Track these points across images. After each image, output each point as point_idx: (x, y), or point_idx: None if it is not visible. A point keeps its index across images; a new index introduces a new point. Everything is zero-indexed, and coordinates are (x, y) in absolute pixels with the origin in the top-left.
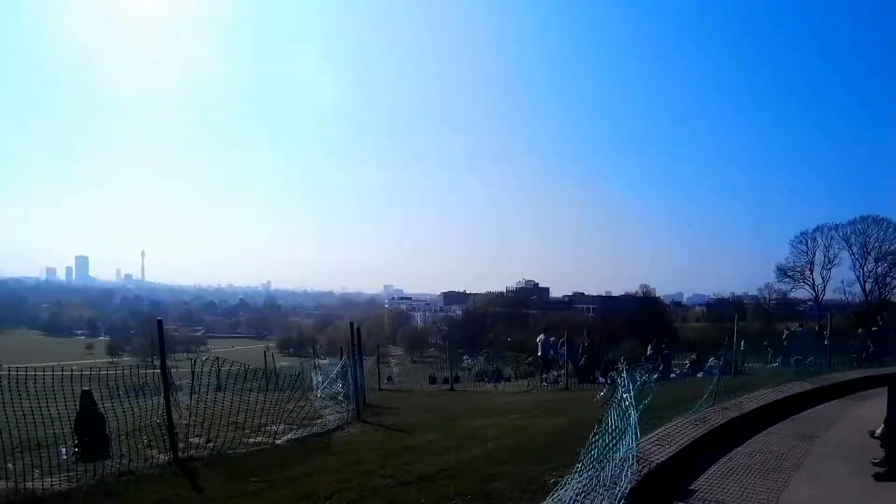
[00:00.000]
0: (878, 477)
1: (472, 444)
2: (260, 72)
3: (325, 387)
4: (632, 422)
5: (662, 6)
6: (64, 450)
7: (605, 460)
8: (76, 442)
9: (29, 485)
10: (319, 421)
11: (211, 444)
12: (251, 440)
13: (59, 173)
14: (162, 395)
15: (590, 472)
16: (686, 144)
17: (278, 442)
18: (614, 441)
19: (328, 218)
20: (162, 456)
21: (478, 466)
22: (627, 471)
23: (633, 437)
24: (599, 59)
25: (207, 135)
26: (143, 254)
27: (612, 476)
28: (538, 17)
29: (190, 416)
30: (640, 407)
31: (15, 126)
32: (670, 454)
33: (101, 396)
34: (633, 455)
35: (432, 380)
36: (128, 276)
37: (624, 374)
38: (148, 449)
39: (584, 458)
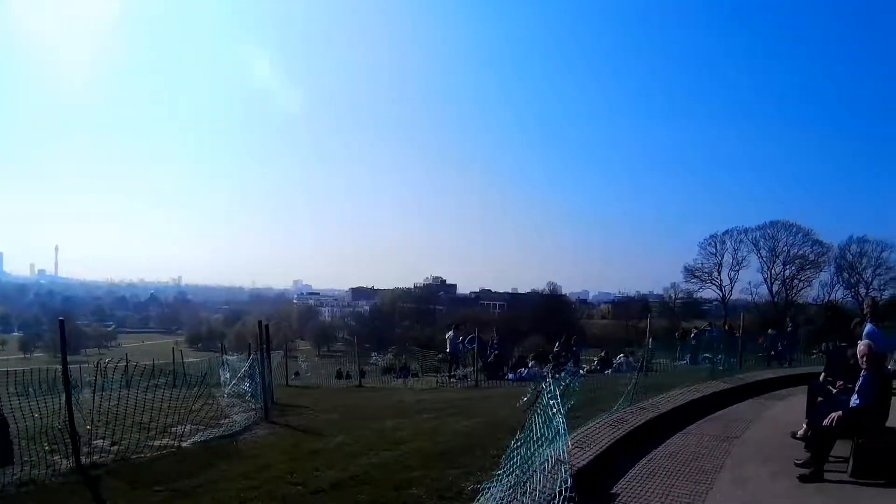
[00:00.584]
0: (803, 478)
1: (383, 447)
2: (166, 64)
3: (232, 385)
4: (560, 431)
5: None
6: None
7: (531, 469)
8: None
9: None
10: (226, 421)
11: (116, 448)
12: (156, 443)
13: None
14: (62, 396)
15: (511, 480)
16: (594, 146)
17: (184, 444)
18: (540, 449)
19: (239, 214)
20: (65, 462)
21: (391, 472)
22: (560, 484)
23: (563, 448)
24: (503, 57)
25: (119, 130)
26: (56, 249)
27: (540, 487)
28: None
29: (92, 419)
30: (564, 411)
31: None
32: (591, 457)
33: (10, 395)
34: (565, 468)
35: (339, 375)
36: (41, 272)
37: (549, 380)
38: (51, 455)
39: (505, 465)
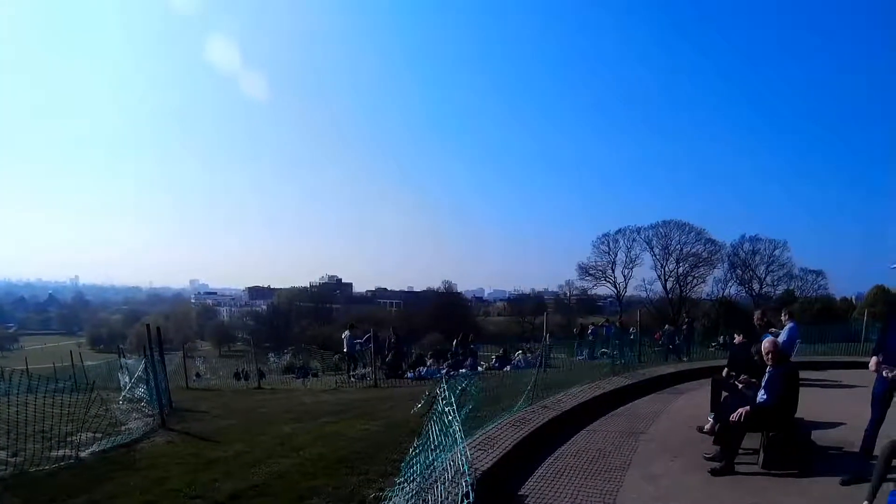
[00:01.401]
0: (714, 472)
1: (283, 453)
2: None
3: (129, 389)
4: (458, 439)
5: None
6: None
7: (432, 477)
8: None
9: None
10: (125, 429)
11: (15, 460)
12: (56, 453)
13: None
14: None
15: (412, 487)
16: (490, 146)
17: (83, 455)
18: (440, 456)
19: (135, 213)
20: None
21: (292, 480)
22: (461, 492)
23: (462, 459)
24: (401, 58)
25: (12, 125)
26: None
27: (442, 497)
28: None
29: None
30: (461, 416)
31: None
32: (495, 459)
33: None
34: (467, 480)
35: (237, 376)
36: None
37: (444, 385)
38: None
39: (405, 472)
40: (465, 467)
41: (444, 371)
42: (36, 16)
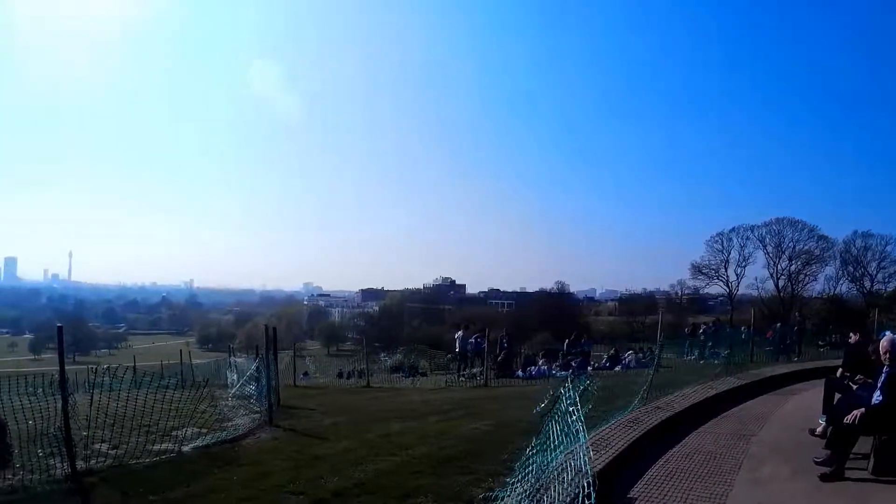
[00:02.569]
0: (824, 477)
1: (390, 452)
2: (175, 70)
3: (238, 387)
4: (581, 439)
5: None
6: None
7: (548, 477)
8: None
9: None
10: (230, 425)
11: (115, 453)
12: (157, 447)
13: None
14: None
15: (524, 487)
16: (602, 147)
17: (185, 449)
18: (556, 456)
19: (252, 218)
20: (61, 467)
21: (397, 479)
22: (581, 493)
23: (584, 458)
24: (514, 59)
25: (132, 138)
26: (70, 255)
27: (559, 498)
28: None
29: (89, 423)
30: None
31: None
32: (607, 460)
33: (18, 392)
34: (588, 480)
35: (340, 374)
36: (54, 276)
37: (569, 384)
38: (48, 459)
39: (520, 472)
40: (587, 467)
41: (555, 371)
42: (176, 33)
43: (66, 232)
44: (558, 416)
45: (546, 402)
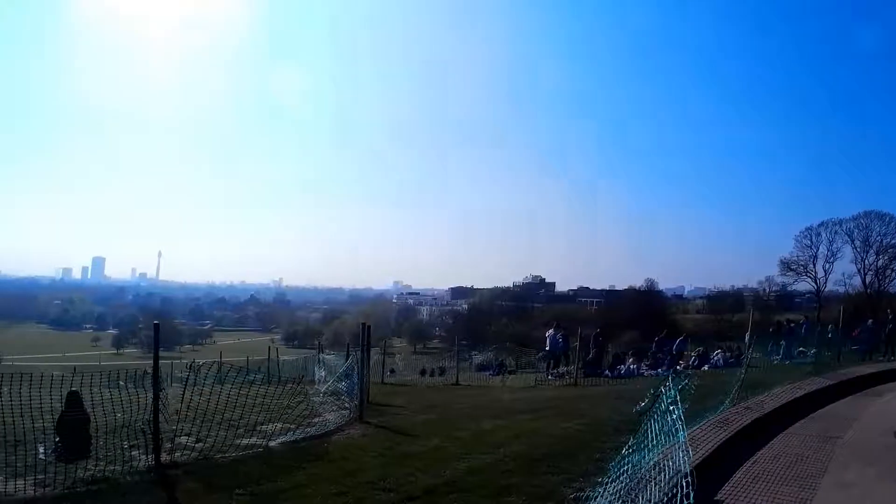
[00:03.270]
0: None
1: (480, 450)
2: (264, 74)
3: (331, 383)
4: (681, 439)
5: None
6: (42, 448)
7: (644, 478)
8: (57, 440)
9: None
10: (318, 420)
11: (199, 446)
12: (243, 442)
13: (79, 177)
14: (149, 393)
15: (618, 488)
16: (690, 142)
17: (272, 444)
18: (655, 457)
19: (340, 216)
20: (144, 458)
21: (488, 477)
22: (680, 493)
23: (684, 458)
24: (603, 62)
25: (218, 136)
26: (159, 254)
27: (656, 499)
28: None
29: (178, 417)
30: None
31: (36, 133)
32: (697, 461)
33: (101, 385)
34: (687, 480)
35: (423, 372)
36: (142, 275)
37: (670, 383)
38: (132, 450)
39: (614, 471)
40: (687, 467)
41: (643, 371)
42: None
43: (154, 232)
44: (657, 415)
45: (646, 400)
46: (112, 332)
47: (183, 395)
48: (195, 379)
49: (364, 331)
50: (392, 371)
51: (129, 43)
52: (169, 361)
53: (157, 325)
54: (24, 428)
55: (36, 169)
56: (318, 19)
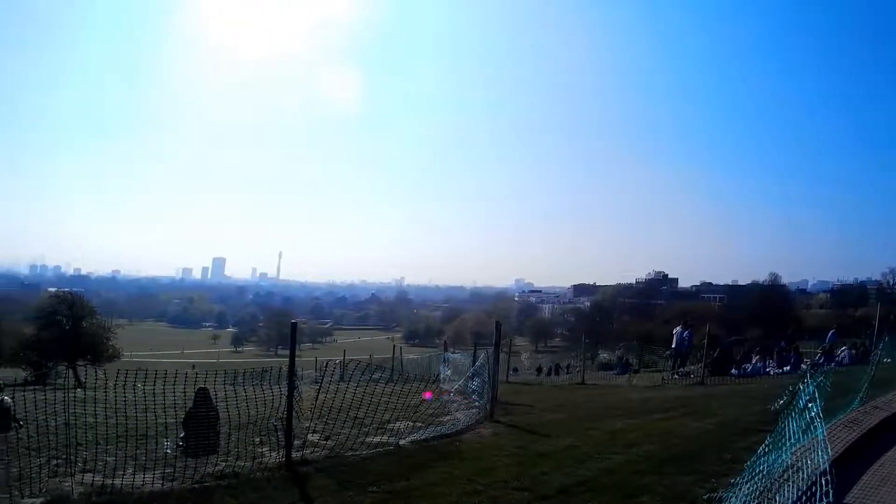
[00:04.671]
0: None
1: (612, 449)
2: (376, 77)
3: (462, 382)
4: (820, 438)
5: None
6: (168, 443)
7: (779, 478)
8: (183, 435)
9: (118, 481)
10: (449, 419)
11: (328, 443)
12: (372, 440)
13: (202, 181)
14: (280, 390)
15: (752, 489)
16: (811, 131)
17: (402, 443)
18: (790, 457)
19: (461, 215)
20: (274, 455)
21: (621, 477)
22: (819, 492)
23: (824, 458)
24: (707, 61)
25: (341, 140)
26: (280, 255)
27: (792, 496)
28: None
29: (311, 411)
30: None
31: (158, 139)
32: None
33: (224, 382)
34: (826, 478)
35: (539, 370)
36: (262, 275)
37: (808, 380)
38: (261, 447)
39: (749, 472)
40: (826, 465)
41: (769, 369)
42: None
43: (276, 234)
44: (795, 414)
45: (784, 399)
46: (231, 330)
47: (318, 393)
48: (321, 377)
49: (497, 329)
50: (515, 370)
51: (255, 50)
52: (287, 359)
53: (295, 324)
54: (146, 423)
55: (158, 173)
56: (466, 21)
